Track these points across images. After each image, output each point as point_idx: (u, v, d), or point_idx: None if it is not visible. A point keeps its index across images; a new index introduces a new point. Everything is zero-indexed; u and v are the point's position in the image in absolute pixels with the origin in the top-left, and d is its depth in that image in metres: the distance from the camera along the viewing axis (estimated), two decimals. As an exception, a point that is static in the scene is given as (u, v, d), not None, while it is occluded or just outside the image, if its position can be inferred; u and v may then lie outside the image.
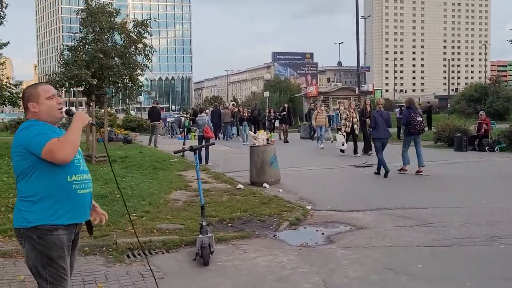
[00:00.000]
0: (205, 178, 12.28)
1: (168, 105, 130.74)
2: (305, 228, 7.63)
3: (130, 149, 18.98)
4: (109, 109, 30.04)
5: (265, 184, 11.08)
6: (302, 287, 4.98)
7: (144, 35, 13.67)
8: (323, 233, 7.22)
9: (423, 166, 12.46)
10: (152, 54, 13.94)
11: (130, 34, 13.53)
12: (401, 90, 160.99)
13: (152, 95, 35.35)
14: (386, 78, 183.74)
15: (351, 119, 17.37)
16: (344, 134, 17.00)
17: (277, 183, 11.44)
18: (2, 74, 20.43)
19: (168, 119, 37.30)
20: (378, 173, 12.28)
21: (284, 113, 25.25)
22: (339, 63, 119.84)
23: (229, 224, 7.74)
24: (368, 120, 15.93)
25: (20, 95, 18.56)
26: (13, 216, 3.26)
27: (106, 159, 13.78)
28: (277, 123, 26.40)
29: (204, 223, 6.43)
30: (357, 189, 10.73)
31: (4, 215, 7.60)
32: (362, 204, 9.01)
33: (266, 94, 35.36)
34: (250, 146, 11.80)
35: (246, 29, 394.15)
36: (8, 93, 17.55)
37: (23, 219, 3.15)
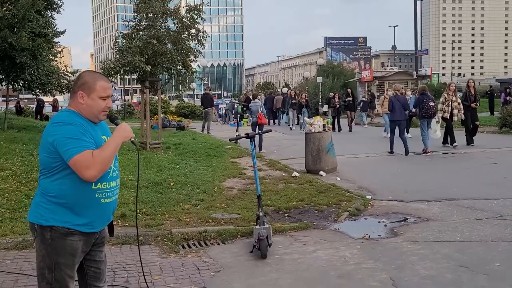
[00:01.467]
0: (259, 165, 12.01)
1: (220, 92, 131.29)
2: (366, 219, 7.25)
3: (184, 136, 18.99)
4: (162, 96, 30.39)
5: (321, 172, 10.71)
6: (368, 285, 4.61)
7: (197, 20, 13.45)
8: (385, 225, 6.82)
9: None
10: (205, 39, 13.71)
11: (183, 19, 13.34)
12: (459, 74, 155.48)
13: (205, 82, 35.23)
14: (443, 61, 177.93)
15: (449, 103, 14.16)
16: (439, 120, 14.12)
17: (334, 171, 11.05)
18: (60, 63, 20.88)
19: (220, 106, 37.30)
20: (391, 152, 13.58)
21: (350, 98, 23.54)
22: (394, 47, 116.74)
23: (286, 214, 7.46)
24: (473, 105, 15.00)
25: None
26: (30, 207, 3.04)
27: (160, 146, 13.77)
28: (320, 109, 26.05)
29: (261, 214, 6.16)
30: (420, 178, 10.18)
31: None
32: (426, 194, 8.49)
33: (319, 79, 34.66)
34: (306, 133, 11.43)
35: (298, 14, 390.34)
36: (65, 81, 17.84)
37: (39, 215, 2.92)
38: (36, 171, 9.65)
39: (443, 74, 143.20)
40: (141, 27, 13.50)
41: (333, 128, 18.95)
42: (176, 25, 13.44)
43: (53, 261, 2.91)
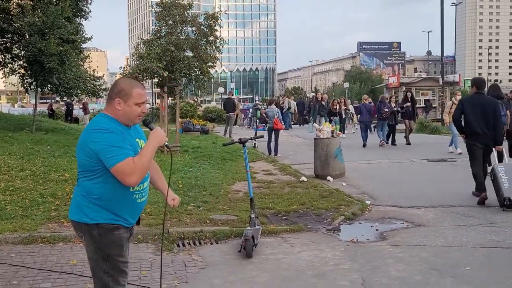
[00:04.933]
0: (271, 169, 12.34)
1: (251, 96, 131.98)
2: (360, 223, 7.47)
3: (205, 140, 19.43)
4: (190, 100, 30.99)
5: (329, 177, 10.94)
6: (339, 284, 4.88)
7: (215, 28, 13.87)
8: (377, 229, 7.04)
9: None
10: (222, 46, 14.12)
11: (201, 27, 13.78)
12: (496, 80, 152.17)
13: (229, 87, 35.71)
14: (480, 67, 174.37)
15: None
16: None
17: (341, 176, 11.26)
18: (89, 67, 21.64)
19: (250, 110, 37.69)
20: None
21: (408, 104, 18.65)
22: (429, 52, 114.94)
23: (284, 217, 7.74)
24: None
25: (102, 87, 19.65)
26: (71, 207, 3.25)
27: (177, 149, 14.21)
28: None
29: (252, 215, 6.49)
30: (424, 185, 10.29)
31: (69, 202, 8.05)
32: (425, 201, 8.65)
33: (346, 85, 34.79)
34: (314, 139, 11.68)
35: (332, 19, 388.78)
36: (91, 85, 18.52)
37: (84, 214, 3.14)
38: (53, 172, 10.20)
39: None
40: (161, 34, 13.99)
41: (387, 141, 17.68)
42: (194, 32, 13.88)
43: (105, 253, 3.16)
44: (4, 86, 23.96)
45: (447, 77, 35.96)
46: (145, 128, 3.46)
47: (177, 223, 7.12)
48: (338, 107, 20.14)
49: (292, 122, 30.02)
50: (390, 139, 17.89)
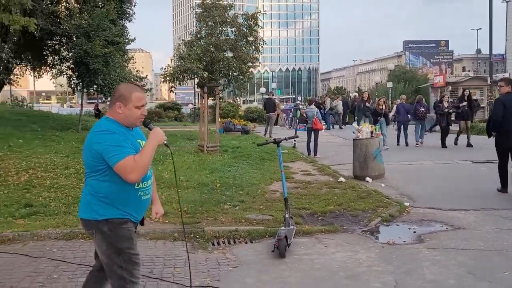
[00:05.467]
0: (310, 170, 12.30)
1: (294, 96, 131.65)
2: (397, 225, 7.35)
3: (245, 140, 19.52)
4: (230, 100, 31.21)
5: (367, 178, 10.81)
6: (371, 286, 4.82)
7: (254, 28, 13.93)
8: (415, 232, 6.90)
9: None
10: (262, 47, 14.17)
11: (241, 27, 13.87)
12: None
13: (271, 87, 35.78)
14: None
15: None
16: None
17: (381, 177, 11.11)
18: (133, 68, 22.15)
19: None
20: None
21: (464, 104, 17.51)
22: (478, 51, 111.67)
23: (320, 218, 7.70)
24: None
25: (145, 87, 20.07)
26: (81, 206, 3.41)
27: (217, 149, 14.36)
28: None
29: (287, 215, 6.50)
30: (467, 187, 10.03)
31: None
32: (466, 203, 8.43)
33: (389, 84, 34.23)
34: (353, 139, 11.57)
35: (377, 17, 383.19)
36: (134, 86, 18.93)
37: (93, 211, 3.30)
38: (96, 170, 10.48)
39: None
40: (201, 35, 14.16)
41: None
42: (234, 33, 13.98)
43: (117, 247, 3.30)
44: (54, 87, 24.79)
45: (496, 76, 34.82)
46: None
47: (213, 222, 7.19)
48: (384, 107, 17.74)
49: (341, 123, 29.50)
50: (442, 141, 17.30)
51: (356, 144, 11.23)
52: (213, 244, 6.35)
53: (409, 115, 18.27)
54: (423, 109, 18.34)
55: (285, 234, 5.82)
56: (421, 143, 18.18)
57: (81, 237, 6.41)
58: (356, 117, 23.89)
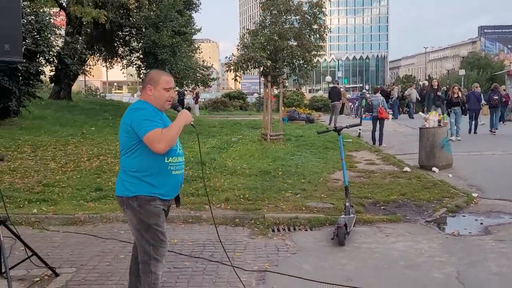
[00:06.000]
0: (373, 159, 12.12)
1: (361, 85, 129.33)
2: (463, 216, 7.14)
3: (309, 129, 19.44)
4: (295, 89, 31.13)
5: (434, 168, 10.51)
6: (432, 276, 4.72)
7: (319, 16, 13.81)
8: (481, 223, 6.68)
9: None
10: (326, 35, 14.03)
11: (305, 15, 13.78)
12: None
13: (337, 76, 35.34)
14: None
15: None
16: None
17: (448, 168, 10.77)
18: (199, 57, 22.56)
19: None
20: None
21: None
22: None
23: (382, 207, 7.59)
24: None
25: (211, 77, 20.41)
26: (116, 184, 3.67)
27: (280, 138, 14.41)
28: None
29: (347, 204, 6.46)
30: (542, 178, 9.56)
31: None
32: (540, 195, 8.03)
33: (461, 72, 32.91)
34: (419, 128, 11.25)
35: (448, 2, 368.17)
36: (200, 75, 19.31)
37: (125, 188, 3.55)
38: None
39: None
40: (265, 24, 14.20)
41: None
42: (298, 21, 13.92)
43: (145, 223, 3.53)
44: (124, 77, 25.74)
45: None
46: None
47: (274, 209, 7.26)
48: (459, 95, 16.08)
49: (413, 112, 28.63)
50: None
51: (423, 133, 10.93)
52: (273, 231, 6.42)
53: (481, 103, 17.68)
54: (497, 97, 17.82)
55: (345, 222, 5.80)
56: (494, 131, 17.78)
57: (146, 221, 6.66)
58: (425, 107, 22.97)
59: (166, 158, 3.51)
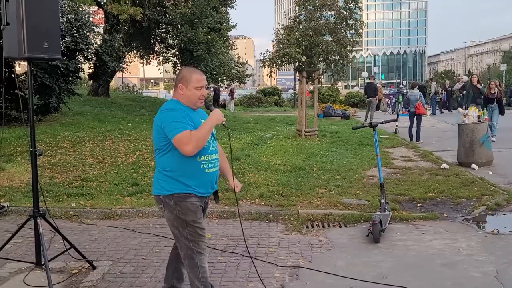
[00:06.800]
0: (410, 156, 11.93)
1: (398, 80, 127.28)
2: (504, 214, 6.95)
3: (345, 125, 19.27)
4: (329, 85, 30.89)
5: (473, 165, 10.26)
6: (469, 275, 4.61)
7: (355, 11, 13.65)
8: (522, 222, 6.48)
9: None
10: (362, 30, 13.86)
11: (341, 10, 13.65)
12: None
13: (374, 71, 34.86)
14: None
15: None
16: None
17: (488, 165, 10.49)
18: (234, 54, 22.63)
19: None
20: None
21: None
22: None
23: (419, 204, 7.47)
24: None
25: (246, 73, 20.45)
26: (153, 184, 3.68)
27: (315, 134, 14.33)
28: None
29: (382, 201, 6.38)
30: None
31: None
32: None
33: (503, 67, 31.98)
34: (458, 124, 10.99)
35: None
36: (235, 71, 19.37)
37: (161, 187, 3.56)
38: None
39: None
40: (300, 20, 14.13)
41: None
42: (334, 17, 13.80)
43: (183, 220, 3.54)
44: (160, 73, 26.06)
45: None
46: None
47: (308, 205, 7.23)
48: (496, 91, 14.84)
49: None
50: None
51: (462, 129, 10.67)
52: (307, 227, 6.39)
53: None
54: None
55: (380, 219, 5.72)
56: None
57: (181, 215, 6.73)
58: (465, 103, 22.31)
59: (198, 157, 3.50)
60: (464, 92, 25.40)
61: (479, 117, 10.66)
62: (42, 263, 4.51)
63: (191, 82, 3.57)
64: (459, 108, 14.65)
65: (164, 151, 3.54)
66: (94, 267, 4.82)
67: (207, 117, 3.70)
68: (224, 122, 3.60)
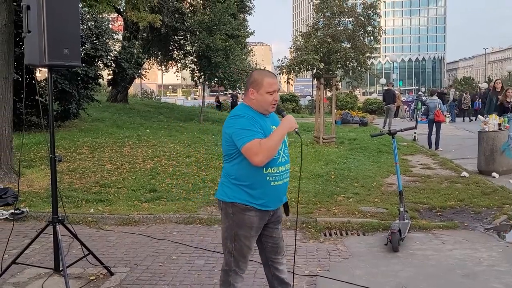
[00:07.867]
0: (430, 163, 11.81)
1: (417, 87, 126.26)
2: (526, 224, 6.81)
3: (363, 132, 19.16)
4: (349, 92, 30.75)
5: (494, 174, 10.12)
6: (490, 286, 4.52)
7: (373, 17, 13.60)
8: (545, 232, 6.35)
9: None
10: (381, 36, 13.80)
11: (359, 17, 13.60)
12: None
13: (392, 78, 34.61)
14: None
15: None
16: None
17: (509, 173, 10.32)
18: (252, 60, 22.69)
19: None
20: None
21: None
22: None
23: (438, 213, 7.37)
24: None
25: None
26: (218, 187, 3.55)
27: (333, 141, 14.27)
28: None
29: (401, 209, 6.30)
30: None
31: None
32: None
33: (524, 73, 31.53)
34: (479, 132, 10.85)
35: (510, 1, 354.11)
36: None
37: (224, 193, 3.43)
38: (215, 160, 10.94)
39: None
40: (318, 26, 14.11)
41: None
42: (352, 23, 13.76)
43: (234, 232, 3.40)
44: (177, 79, 26.23)
45: None
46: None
47: (326, 213, 7.18)
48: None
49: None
50: None
51: (482, 137, 10.53)
52: (324, 235, 6.34)
53: None
54: None
55: (399, 228, 5.65)
56: None
57: (198, 222, 6.75)
58: (486, 112, 21.81)
59: (264, 169, 3.31)
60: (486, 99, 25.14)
61: (499, 124, 10.51)
62: (60, 269, 4.52)
63: (263, 86, 3.35)
64: (479, 116, 14.34)
65: (231, 159, 3.40)
66: (111, 274, 4.83)
67: (278, 123, 3.52)
68: (297, 130, 3.41)
